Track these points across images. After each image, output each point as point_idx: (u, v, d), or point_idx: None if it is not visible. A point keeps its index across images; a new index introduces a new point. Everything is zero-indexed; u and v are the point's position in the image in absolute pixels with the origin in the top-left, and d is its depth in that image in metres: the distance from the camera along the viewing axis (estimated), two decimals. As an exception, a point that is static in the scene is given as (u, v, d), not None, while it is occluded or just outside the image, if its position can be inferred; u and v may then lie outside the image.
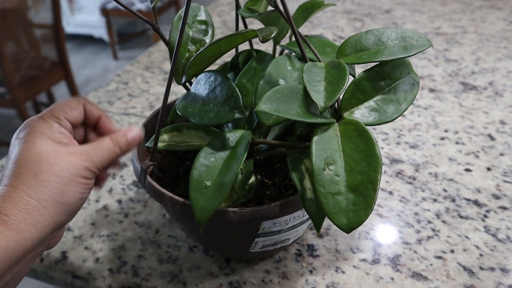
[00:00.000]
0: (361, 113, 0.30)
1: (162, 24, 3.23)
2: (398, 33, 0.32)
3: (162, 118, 0.30)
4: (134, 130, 0.30)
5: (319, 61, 0.32)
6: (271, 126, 0.32)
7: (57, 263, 0.41)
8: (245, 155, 0.26)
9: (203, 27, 0.36)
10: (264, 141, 0.31)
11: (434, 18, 0.96)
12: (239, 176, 0.30)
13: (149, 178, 0.32)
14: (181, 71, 0.34)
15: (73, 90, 2.06)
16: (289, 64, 0.33)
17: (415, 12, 1.01)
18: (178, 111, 0.30)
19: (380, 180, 0.26)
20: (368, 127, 0.28)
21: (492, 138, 0.55)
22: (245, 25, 0.39)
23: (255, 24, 0.95)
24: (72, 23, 3.11)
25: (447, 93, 0.66)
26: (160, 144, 0.32)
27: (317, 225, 0.27)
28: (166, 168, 0.37)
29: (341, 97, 0.30)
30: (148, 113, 0.64)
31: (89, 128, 0.33)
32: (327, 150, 0.27)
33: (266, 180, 0.33)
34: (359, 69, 0.40)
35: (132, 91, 0.71)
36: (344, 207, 0.25)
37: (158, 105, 0.66)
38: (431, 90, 0.67)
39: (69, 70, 2.02)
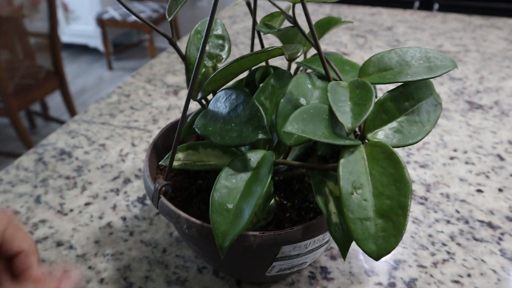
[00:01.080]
0: (384, 134, 0.29)
1: (156, 36, 3.23)
2: (422, 53, 0.31)
3: (179, 136, 0.29)
4: (70, 279, 0.21)
5: (341, 79, 0.32)
6: (292, 147, 0.31)
7: (59, 284, 0.39)
8: (269, 177, 0.25)
9: (220, 41, 0.35)
10: (285, 162, 0.30)
11: (435, 36, 0.97)
12: (259, 199, 0.28)
13: (163, 199, 0.30)
14: (197, 87, 0.33)
15: (68, 100, 2.04)
16: (309, 82, 0.32)
17: (416, 29, 1.01)
18: (197, 129, 0.29)
19: (410, 205, 0.25)
20: (395, 150, 0.27)
21: (501, 158, 0.55)
22: (260, 40, 0.38)
23: (269, 40, 0.94)
24: (67, 33, 3.09)
25: (454, 112, 0.65)
26: (175, 163, 0.31)
27: (344, 251, 0.26)
28: (178, 187, 0.36)
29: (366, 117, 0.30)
30: (152, 127, 0.63)
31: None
32: (354, 174, 0.26)
33: (285, 202, 0.32)
34: (379, 90, 0.39)
35: (134, 104, 0.70)
36: (373, 233, 0.24)
37: (161, 119, 0.65)
38: (437, 108, 0.66)
39: (64, 79, 2.00)
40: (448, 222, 0.45)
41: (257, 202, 0.24)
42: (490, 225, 0.44)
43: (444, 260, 0.40)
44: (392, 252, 0.41)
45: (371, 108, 0.27)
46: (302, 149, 0.31)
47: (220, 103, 0.29)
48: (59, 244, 0.43)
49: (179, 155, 0.31)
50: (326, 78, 0.32)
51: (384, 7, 1.18)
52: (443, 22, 1.06)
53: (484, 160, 0.54)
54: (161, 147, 0.37)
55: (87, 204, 0.48)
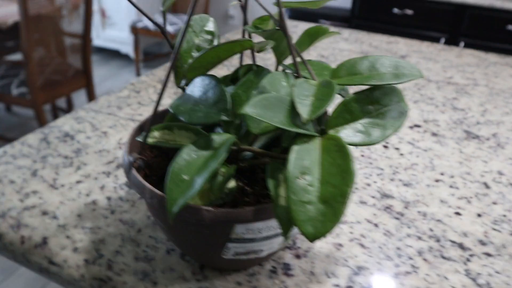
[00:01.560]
0: (346, 133, 0.31)
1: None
2: (392, 62, 0.33)
3: (155, 114, 0.31)
4: None
5: (313, 79, 0.34)
6: (258, 136, 0.33)
7: (36, 247, 0.41)
8: (225, 155, 0.27)
9: (209, 37, 0.38)
10: (249, 148, 0.31)
11: (447, 68, 0.98)
12: (219, 178, 0.30)
13: (134, 171, 0.32)
14: (182, 75, 0.36)
15: (92, 99, 2.11)
16: (285, 80, 0.34)
17: (430, 60, 1.02)
18: (170, 108, 0.31)
19: (350, 194, 0.26)
20: (350, 147, 0.29)
21: (487, 186, 0.55)
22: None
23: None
24: (102, 37, 3.22)
25: (449, 139, 0.66)
26: (150, 140, 0.33)
27: (285, 232, 0.27)
28: (156, 167, 0.38)
29: (330, 115, 0.31)
30: (153, 121, 0.66)
31: None
32: (305, 160, 0.27)
33: (247, 188, 0.33)
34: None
35: (142, 99, 0.73)
36: (313, 217, 0.26)
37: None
38: (434, 134, 0.67)
39: (91, 79, 2.08)
40: (419, 238, 0.45)
41: (208, 176, 0.26)
42: (461, 246, 0.45)
43: (407, 273, 0.41)
44: (356, 259, 0.42)
45: (329, 103, 0.28)
46: (268, 139, 0.33)
47: (195, 87, 0.32)
48: (44, 213, 0.46)
49: (155, 133, 0.34)
50: (302, 78, 0.34)
51: (403, 38, 1.20)
52: (458, 56, 1.07)
53: (469, 186, 0.55)
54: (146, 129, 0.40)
55: (78, 182, 0.51)
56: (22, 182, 0.51)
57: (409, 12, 2.29)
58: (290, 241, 0.43)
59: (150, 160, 0.39)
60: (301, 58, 0.34)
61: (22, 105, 1.87)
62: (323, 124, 0.33)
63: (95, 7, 3.16)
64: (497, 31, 2.16)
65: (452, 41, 2.27)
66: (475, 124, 0.72)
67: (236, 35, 1.14)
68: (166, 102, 0.73)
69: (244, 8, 0.39)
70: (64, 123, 0.65)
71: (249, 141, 0.33)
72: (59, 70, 1.95)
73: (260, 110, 0.28)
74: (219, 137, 0.30)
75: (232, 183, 0.32)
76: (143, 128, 0.40)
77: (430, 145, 0.64)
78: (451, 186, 0.54)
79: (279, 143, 0.36)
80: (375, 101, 0.32)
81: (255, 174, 0.35)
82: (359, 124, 0.31)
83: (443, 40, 2.29)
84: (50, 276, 0.41)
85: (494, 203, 0.52)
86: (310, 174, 0.27)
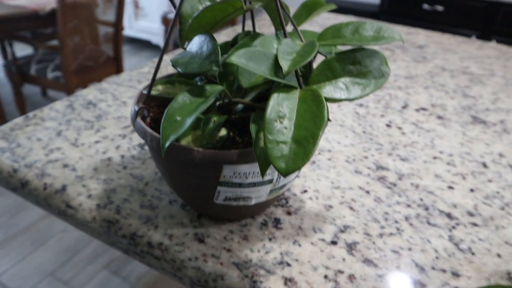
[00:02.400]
0: (327, 89, 0.34)
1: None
2: (374, 26, 0.35)
3: (158, 67, 0.35)
4: None
5: (302, 41, 0.37)
6: (248, 90, 0.37)
7: (56, 193, 0.46)
8: (212, 100, 0.31)
9: (212, 4, 0.41)
10: (239, 100, 0.35)
11: (465, 59, 0.98)
12: (210, 125, 0.34)
13: (139, 118, 0.37)
14: (185, 37, 0.39)
15: (122, 85, 2.20)
16: (276, 42, 0.37)
17: (448, 51, 1.03)
18: (170, 61, 0.35)
19: (321, 136, 0.29)
20: (323, 97, 0.32)
21: (485, 166, 0.56)
22: (252, 17, 0.44)
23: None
24: (134, 28, 3.32)
25: (454, 122, 0.67)
26: (154, 92, 0.37)
27: (262, 169, 0.30)
28: (159, 119, 0.42)
29: (312, 72, 0.35)
30: (169, 94, 0.70)
31: None
32: (282, 107, 0.31)
33: (237, 138, 0.37)
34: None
35: (161, 75, 0.78)
36: (285, 154, 0.29)
37: (180, 89, 0.72)
38: (439, 117, 0.69)
39: (121, 66, 2.16)
40: (408, 206, 0.47)
41: (196, 116, 0.30)
42: (448, 215, 0.47)
43: (391, 234, 0.43)
44: (344, 219, 0.45)
45: (309, 58, 0.32)
46: (257, 94, 0.36)
47: (193, 44, 0.35)
48: (65, 166, 0.51)
49: (159, 87, 0.38)
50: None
51: (424, 30, 1.20)
52: (478, 48, 1.07)
53: (466, 165, 0.56)
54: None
55: (96, 142, 0.56)
56: (48, 140, 0.56)
57: (439, 8, 2.26)
58: (283, 201, 0.46)
59: (156, 115, 0.43)
60: (293, 23, 0.37)
61: (56, 88, 1.97)
62: (308, 83, 0.36)
63: (129, -2, 3.26)
64: (531, 30, 2.10)
65: (483, 39, 2.23)
66: (484, 111, 0.72)
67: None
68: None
69: (247, -20, 0.42)
70: (89, 93, 0.70)
71: (241, 95, 0.37)
72: (92, 56, 2.04)
73: (244, 60, 0.31)
74: (211, 87, 0.34)
75: (223, 132, 0.35)
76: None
77: (433, 127, 0.65)
78: (448, 163, 0.56)
79: (266, 98, 0.39)
80: (357, 61, 0.35)
81: (245, 126, 0.39)
82: (340, 82, 0.34)
83: (474, 37, 2.25)
84: (66, 218, 0.46)
85: (490, 180, 0.53)
86: (288, 119, 0.30)
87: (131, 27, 3.36)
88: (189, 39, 0.38)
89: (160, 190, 0.47)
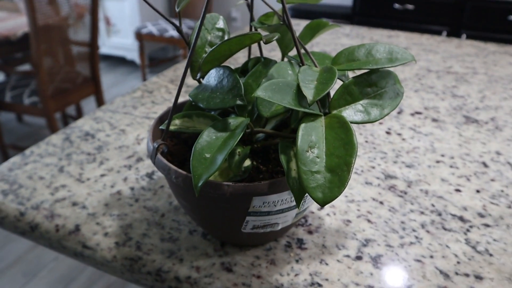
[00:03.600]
0: (347, 113, 0.34)
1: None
2: (386, 48, 0.36)
3: (176, 103, 0.35)
4: None
5: (316, 67, 0.37)
6: (269, 119, 0.37)
7: (70, 234, 0.45)
8: (241, 135, 0.31)
9: (220, 33, 0.42)
10: (261, 130, 0.35)
11: (447, 59, 1.01)
12: (236, 157, 0.34)
13: (159, 155, 0.36)
14: (197, 68, 0.39)
15: (101, 106, 2.16)
16: (290, 69, 0.38)
17: (429, 52, 1.06)
18: (189, 97, 0.35)
19: (354, 163, 0.30)
20: (351, 124, 0.32)
21: (486, 165, 0.58)
22: (259, 42, 0.45)
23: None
24: (107, 45, 3.28)
25: (449, 124, 0.69)
26: (172, 127, 0.37)
27: (298, 200, 0.31)
28: (176, 153, 0.42)
29: (332, 97, 0.35)
30: (167, 118, 0.70)
31: None
32: (311, 136, 0.31)
33: (261, 167, 0.37)
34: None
35: (155, 99, 0.77)
36: (321, 184, 0.29)
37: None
38: (434, 120, 0.70)
39: (99, 86, 2.13)
40: (422, 213, 0.49)
41: (227, 152, 0.30)
42: (461, 218, 0.48)
43: (411, 243, 0.44)
44: (364, 233, 0.45)
45: (331, 86, 0.32)
46: (278, 122, 0.37)
47: (210, 77, 0.35)
48: (74, 204, 0.50)
49: (176, 121, 0.37)
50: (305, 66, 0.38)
51: (403, 31, 1.23)
52: (457, 47, 1.10)
53: (468, 166, 0.58)
54: (166, 120, 0.44)
55: (102, 175, 0.55)
56: (51, 178, 0.55)
57: (410, 7, 2.32)
58: (303, 219, 0.47)
59: (171, 148, 0.43)
60: (304, 48, 0.38)
61: (34, 114, 1.92)
62: (326, 107, 0.37)
63: (99, 15, 3.22)
64: (499, 22, 2.18)
65: (453, 34, 2.30)
66: (474, 110, 0.75)
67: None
68: (178, 100, 0.77)
69: (250, 6, 0.43)
70: (84, 123, 0.69)
71: (261, 125, 0.37)
72: (68, 78, 2.00)
73: (270, 93, 0.31)
74: (235, 120, 0.34)
75: (247, 162, 0.35)
76: (163, 119, 0.44)
77: (430, 130, 0.67)
78: (451, 166, 0.58)
79: (287, 125, 0.40)
80: (373, 83, 0.36)
81: (267, 154, 0.39)
82: (359, 105, 0.35)
83: (445, 33, 2.32)
84: (84, 259, 0.45)
85: (492, 180, 0.55)
86: (317, 148, 0.31)
87: (104, 44, 3.31)
88: (203, 71, 0.38)
89: (178, 221, 0.46)
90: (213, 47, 0.35)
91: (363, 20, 2.46)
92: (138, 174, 0.55)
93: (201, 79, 0.39)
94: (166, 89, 0.82)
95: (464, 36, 2.27)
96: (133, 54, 3.25)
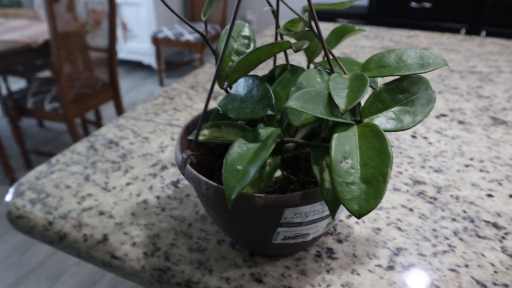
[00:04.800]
0: (379, 121, 0.33)
1: (206, 55, 3.39)
2: (417, 53, 0.35)
3: (205, 114, 0.35)
4: None
5: (345, 74, 0.36)
6: (299, 128, 0.36)
7: (98, 244, 0.46)
8: (273, 146, 0.30)
9: (246, 41, 0.41)
10: (292, 140, 0.35)
11: (469, 58, 0.99)
12: (267, 168, 0.33)
13: (188, 166, 0.36)
14: (224, 77, 0.39)
15: (120, 111, 2.19)
16: (319, 76, 0.37)
17: (451, 51, 1.04)
18: (219, 107, 0.34)
19: (390, 174, 0.29)
20: (384, 133, 0.31)
21: (517, 169, 0.56)
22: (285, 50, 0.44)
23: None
24: (124, 50, 3.32)
25: (476, 126, 0.68)
26: (200, 137, 0.37)
27: (332, 211, 0.30)
28: (204, 163, 0.42)
29: (362, 105, 0.34)
30: (190, 125, 0.70)
31: None
32: (345, 146, 0.30)
33: (292, 177, 0.37)
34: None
35: (177, 105, 0.78)
36: (357, 196, 0.29)
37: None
38: (460, 122, 0.69)
39: (118, 91, 2.16)
40: (454, 220, 0.47)
41: (260, 164, 0.29)
42: (495, 225, 0.46)
43: (445, 251, 0.43)
44: (395, 241, 0.44)
45: (364, 94, 0.31)
46: (308, 131, 0.36)
47: (239, 87, 0.35)
48: (101, 213, 0.50)
49: (205, 131, 0.37)
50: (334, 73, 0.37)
51: (423, 31, 1.21)
52: (479, 45, 1.08)
53: (499, 169, 0.56)
54: (192, 129, 0.44)
55: (128, 184, 0.55)
56: (77, 187, 0.55)
57: (427, 5, 2.29)
58: (332, 228, 0.46)
59: (199, 158, 0.42)
60: (333, 55, 0.37)
61: (55, 119, 1.96)
62: (357, 115, 0.36)
63: (117, 20, 3.26)
64: (519, 17, 2.13)
65: (473, 31, 2.25)
66: (501, 110, 0.73)
67: (260, 39, 1.18)
68: (200, 107, 0.77)
69: (276, 13, 0.42)
70: (107, 131, 0.69)
71: (291, 134, 0.37)
72: (88, 83, 2.03)
73: (302, 103, 0.31)
74: (265, 131, 0.33)
75: (278, 173, 0.35)
76: (189, 128, 0.44)
77: (457, 133, 0.66)
78: (481, 170, 0.56)
79: (317, 134, 0.39)
80: (404, 90, 0.35)
81: (298, 164, 0.38)
82: (391, 112, 0.34)
83: (463, 30, 2.27)
84: (113, 269, 0.45)
85: (526, 184, 0.53)
86: (351, 158, 0.30)
87: (121, 50, 3.35)
88: (230, 80, 0.38)
89: (205, 231, 0.46)
90: (241, 56, 0.34)
91: (379, 20, 2.43)
92: (163, 182, 0.55)
93: (228, 88, 0.39)
94: (187, 95, 0.82)
95: (483, 33, 2.23)
96: (149, 59, 3.28)
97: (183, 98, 0.81)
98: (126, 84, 3.25)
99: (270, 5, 0.41)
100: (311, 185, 0.36)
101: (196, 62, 3.44)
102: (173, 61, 3.56)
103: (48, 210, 0.51)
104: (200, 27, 2.94)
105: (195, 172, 0.35)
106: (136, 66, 3.59)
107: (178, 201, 0.51)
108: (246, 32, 0.42)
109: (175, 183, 0.55)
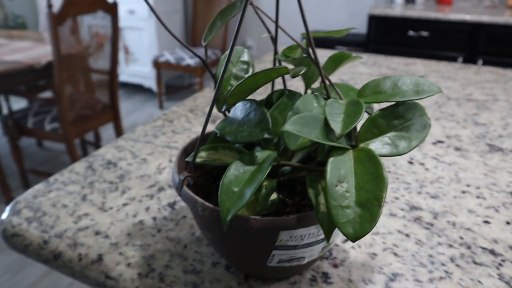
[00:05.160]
0: (375, 146, 0.34)
1: (206, 80, 3.43)
2: (412, 80, 0.36)
3: (203, 136, 0.35)
4: None
5: (342, 99, 0.37)
6: (295, 152, 0.37)
7: (93, 264, 0.45)
8: (269, 169, 0.31)
9: (245, 66, 0.42)
10: (288, 163, 0.35)
11: (466, 86, 1.00)
12: (263, 191, 0.34)
13: (185, 187, 0.36)
14: (222, 101, 0.40)
15: (120, 133, 2.19)
16: (316, 101, 0.38)
17: (448, 79, 1.05)
18: (216, 130, 0.35)
19: (385, 198, 0.29)
20: (379, 157, 0.32)
21: (513, 196, 0.57)
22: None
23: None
24: (125, 73, 3.35)
25: (473, 152, 0.68)
26: (198, 159, 0.37)
27: (327, 235, 0.30)
28: (201, 185, 0.42)
29: (358, 130, 0.35)
30: (188, 147, 0.70)
31: None
32: (340, 170, 0.31)
33: (287, 200, 0.37)
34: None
35: (175, 128, 0.78)
36: (352, 219, 0.29)
37: (198, 141, 0.72)
38: (457, 149, 0.69)
39: (118, 113, 2.17)
40: (451, 246, 0.47)
41: (256, 187, 0.30)
42: (492, 252, 0.46)
43: (441, 278, 0.43)
44: (391, 267, 0.44)
45: (359, 119, 0.32)
46: (304, 155, 0.37)
47: (237, 110, 0.36)
48: (97, 233, 0.50)
49: (202, 154, 0.38)
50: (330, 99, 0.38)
51: (421, 59, 1.24)
52: (476, 73, 1.10)
53: (496, 196, 0.56)
54: (190, 151, 0.44)
55: (124, 204, 0.55)
56: (74, 206, 0.55)
57: (424, 33, 2.33)
58: (327, 252, 0.46)
59: (196, 180, 0.43)
60: (329, 81, 0.38)
61: (54, 140, 1.96)
62: (353, 139, 0.36)
63: (119, 44, 3.31)
64: (515, 47, 2.17)
65: (469, 60, 2.29)
66: (497, 137, 0.74)
67: (259, 64, 1.20)
68: (198, 130, 0.77)
69: (274, 40, 0.43)
70: (106, 152, 0.70)
71: (287, 157, 0.37)
72: (88, 105, 2.04)
73: (298, 127, 0.31)
74: (262, 154, 0.34)
75: (274, 195, 0.35)
76: (187, 151, 0.44)
77: (454, 159, 0.66)
78: (478, 197, 0.56)
79: (313, 158, 0.39)
80: (400, 116, 0.35)
81: (293, 187, 0.39)
82: (386, 138, 0.35)
83: (460, 59, 2.31)
84: (106, 290, 0.44)
85: (522, 211, 0.53)
86: (346, 182, 0.30)
87: (122, 72, 3.39)
88: (229, 104, 0.38)
89: (200, 253, 0.46)
90: (240, 81, 0.35)
91: (377, 47, 2.48)
92: (160, 203, 0.55)
93: (226, 112, 0.40)
94: (186, 118, 0.83)
95: (480, 62, 2.26)
96: (150, 82, 3.31)
97: (182, 121, 0.82)
98: (126, 106, 3.27)
99: (269, 32, 0.42)
100: (306, 209, 0.36)
101: (196, 86, 3.48)
102: (173, 84, 3.60)
103: (44, 228, 0.51)
104: (201, 52, 2.99)
105: (191, 194, 0.35)
106: (136, 88, 3.62)
107: (174, 223, 0.51)
108: (245, 57, 0.43)
109: (171, 205, 0.55)
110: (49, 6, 1.69)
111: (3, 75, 1.84)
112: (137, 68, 3.32)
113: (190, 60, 2.86)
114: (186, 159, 0.38)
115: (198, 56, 0.39)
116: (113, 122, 2.19)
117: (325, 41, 2.66)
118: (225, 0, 3.06)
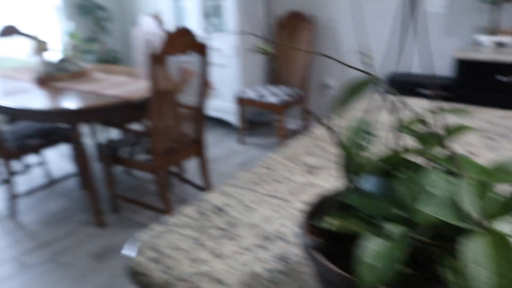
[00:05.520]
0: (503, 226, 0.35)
1: (288, 117, 3.52)
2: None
3: (333, 205, 0.38)
4: None
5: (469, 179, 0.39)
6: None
7: (215, 311, 0.49)
8: (407, 249, 0.33)
9: (367, 136, 0.45)
10: (420, 238, 0.37)
11: None
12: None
13: (317, 254, 0.39)
14: (349, 169, 0.43)
15: (204, 166, 2.31)
16: (443, 179, 0.40)
17: (555, 136, 1.00)
18: (349, 201, 0.38)
19: (528, 289, 0.30)
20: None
21: None
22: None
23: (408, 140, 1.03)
24: (208, 107, 3.54)
25: None
26: (329, 226, 0.40)
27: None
28: (322, 247, 0.45)
29: (486, 208, 0.36)
30: (292, 198, 0.74)
31: None
32: (477, 254, 0.32)
33: (414, 272, 0.38)
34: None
35: (275, 176, 0.83)
36: (494, 306, 0.30)
37: (301, 193, 0.76)
38: None
39: (203, 148, 2.29)
40: None
41: (396, 265, 0.32)
42: None
43: None
44: None
45: (496, 204, 0.33)
46: (433, 231, 0.38)
47: (369, 184, 0.38)
48: (217, 281, 0.54)
49: (334, 222, 0.41)
50: (454, 174, 0.40)
51: (519, 111, 1.19)
52: None
53: None
54: (314, 212, 0.47)
55: (236, 252, 0.59)
56: (190, 250, 0.61)
57: (518, 78, 2.22)
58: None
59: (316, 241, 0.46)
60: (455, 156, 0.40)
61: (144, 170, 2.12)
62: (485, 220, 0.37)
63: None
64: None
65: None
66: None
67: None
68: (298, 180, 0.81)
69: (395, 112, 0.46)
70: (213, 197, 0.75)
71: (417, 232, 0.39)
72: (176, 138, 2.19)
73: (433, 208, 0.34)
74: (396, 229, 0.36)
75: (404, 268, 0.37)
76: (313, 211, 0.47)
77: None
78: None
79: (443, 236, 0.41)
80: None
81: (419, 260, 0.40)
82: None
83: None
84: (226, 336, 0.48)
85: None
86: (485, 268, 0.31)
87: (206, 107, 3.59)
88: (355, 174, 0.41)
89: (314, 310, 0.48)
90: (376, 159, 0.38)
91: (464, 92, 2.39)
92: (272, 255, 0.59)
93: (353, 181, 0.43)
94: (284, 166, 0.87)
95: None
96: (231, 117, 3.46)
97: (280, 169, 0.86)
98: (209, 139, 3.44)
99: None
100: (434, 283, 0.37)
101: (276, 123, 3.57)
102: (253, 120, 3.72)
103: (164, 269, 0.57)
104: (282, 89, 3.08)
105: (327, 262, 0.38)
106: (218, 122, 3.80)
107: (290, 278, 0.54)
108: (367, 128, 0.46)
109: (284, 258, 0.58)
110: (149, 47, 1.87)
111: (104, 108, 2.04)
112: (220, 103, 3.50)
113: (271, 98, 2.97)
114: (312, 222, 0.41)
115: (329, 127, 0.43)
116: (198, 156, 2.32)
117: (407, 83, 2.63)
118: (305, 41, 3.16)
